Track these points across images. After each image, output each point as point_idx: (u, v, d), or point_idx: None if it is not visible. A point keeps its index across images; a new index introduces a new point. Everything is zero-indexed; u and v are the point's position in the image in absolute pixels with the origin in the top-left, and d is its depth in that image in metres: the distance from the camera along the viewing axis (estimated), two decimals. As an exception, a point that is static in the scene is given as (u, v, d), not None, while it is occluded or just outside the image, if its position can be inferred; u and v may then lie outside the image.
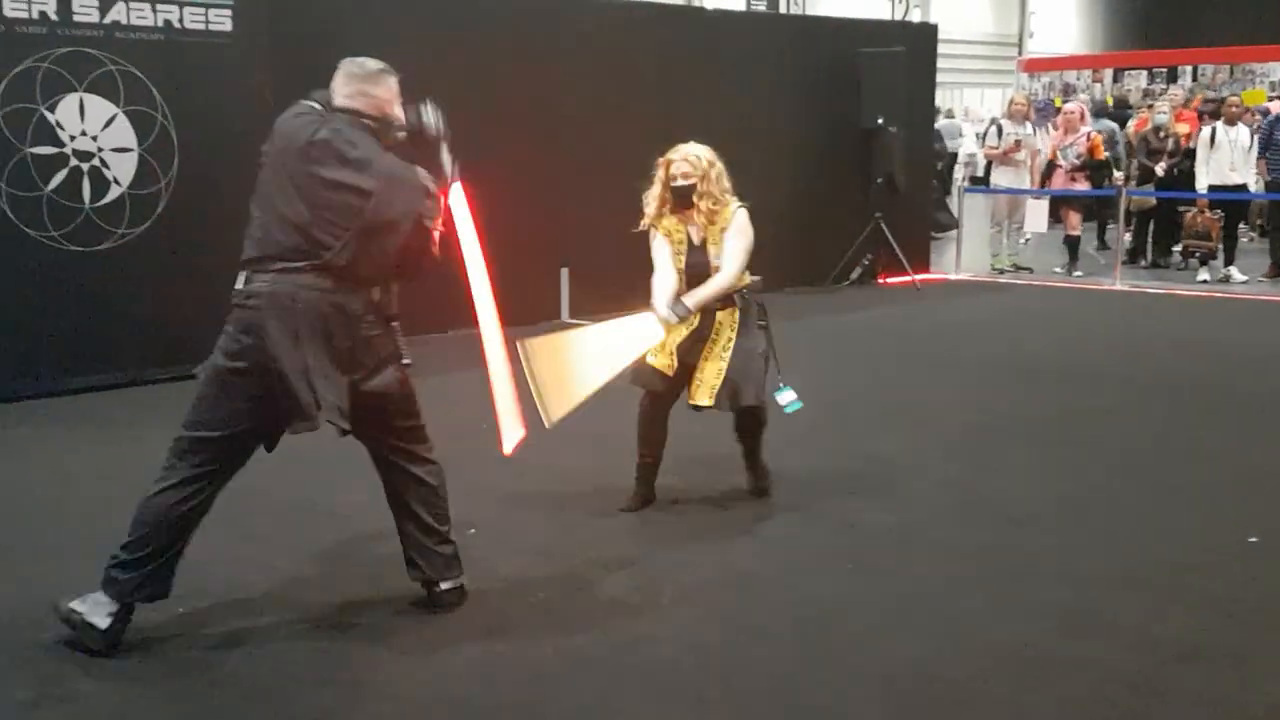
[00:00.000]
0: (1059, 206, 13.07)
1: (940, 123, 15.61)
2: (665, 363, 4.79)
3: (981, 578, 4.30)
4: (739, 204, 4.78)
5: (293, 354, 3.53)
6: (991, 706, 3.39)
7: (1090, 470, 5.62)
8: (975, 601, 4.09)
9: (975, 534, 4.76)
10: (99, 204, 6.84)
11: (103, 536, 4.58)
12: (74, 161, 6.76)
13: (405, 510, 3.89)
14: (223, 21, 7.19)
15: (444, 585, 3.94)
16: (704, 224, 4.74)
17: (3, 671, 3.51)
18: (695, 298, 4.69)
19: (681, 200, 4.72)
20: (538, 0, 9.37)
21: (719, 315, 4.78)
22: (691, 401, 4.80)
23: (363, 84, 3.71)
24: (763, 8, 20.28)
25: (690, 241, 4.79)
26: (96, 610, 3.60)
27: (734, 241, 4.73)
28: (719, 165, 4.76)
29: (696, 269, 4.76)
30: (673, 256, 4.78)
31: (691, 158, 4.71)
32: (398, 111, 3.76)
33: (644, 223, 4.84)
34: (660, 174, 4.77)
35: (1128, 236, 13.09)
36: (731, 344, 4.76)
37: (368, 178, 3.58)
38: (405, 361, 3.78)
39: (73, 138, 6.74)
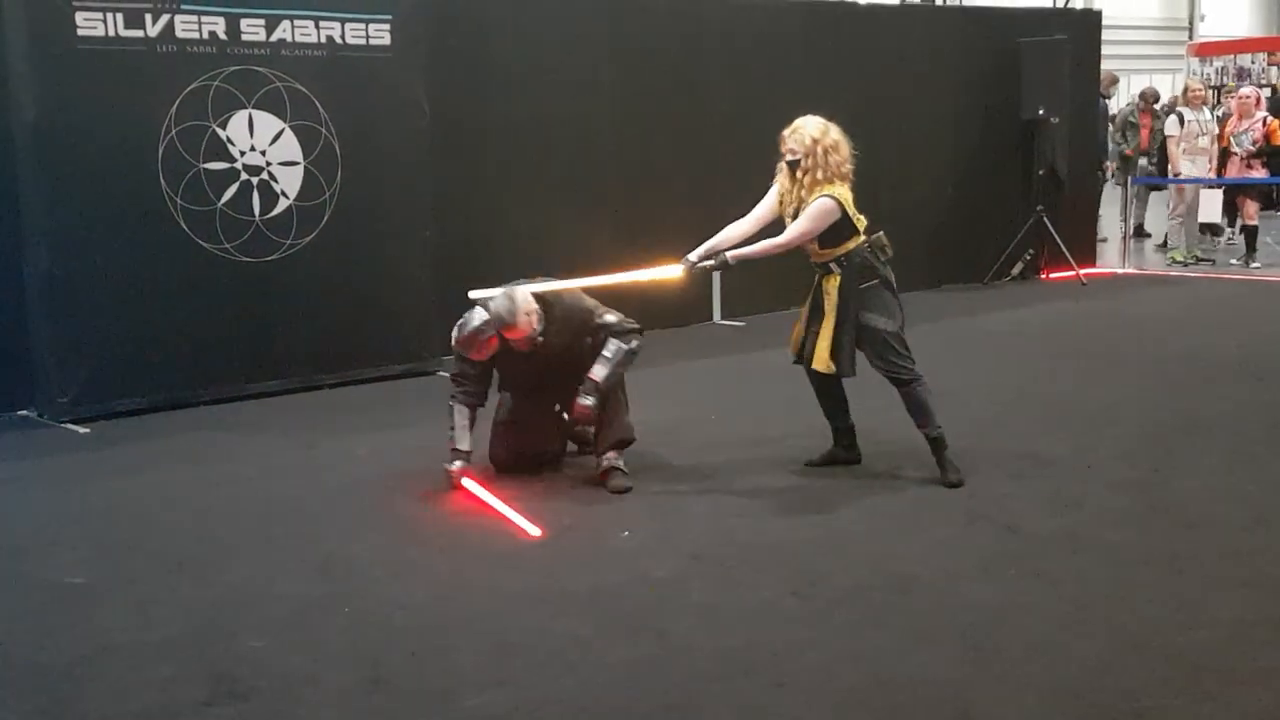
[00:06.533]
0: (1234, 195, 12.58)
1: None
2: (795, 334, 5.32)
3: (1158, 584, 4.12)
4: (828, 192, 5.00)
5: None
6: (1169, 720, 3.24)
7: (1273, 472, 5.34)
8: (1151, 609, 3.91)
9: (1151, 538, 4.56)
10: (268, 216, 7.08)
11: (277, 538, 4.77)
12: (244, 176, 7.01)
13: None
14: (382, 36, 7.37)
15: None
16: (801, 196, 5.10)
17: (182, 670, 3.63)
18: (738, 252, 5.11)
19: (790, 171, 5.14)
20: (684, 2, 9.37)
21: (824, 283, 5.15)
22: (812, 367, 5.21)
23: None
24: (918, 0, 19.90)
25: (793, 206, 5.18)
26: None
27: (801, 220, 5.06)
28: (828, 143, 5.04)
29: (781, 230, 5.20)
30: (766, 210, 5.23)
31: (802, 135, 5.08)
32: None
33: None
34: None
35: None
36: (834, 311, 5.09)
37: None
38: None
39: (243, 153, 6.99)
